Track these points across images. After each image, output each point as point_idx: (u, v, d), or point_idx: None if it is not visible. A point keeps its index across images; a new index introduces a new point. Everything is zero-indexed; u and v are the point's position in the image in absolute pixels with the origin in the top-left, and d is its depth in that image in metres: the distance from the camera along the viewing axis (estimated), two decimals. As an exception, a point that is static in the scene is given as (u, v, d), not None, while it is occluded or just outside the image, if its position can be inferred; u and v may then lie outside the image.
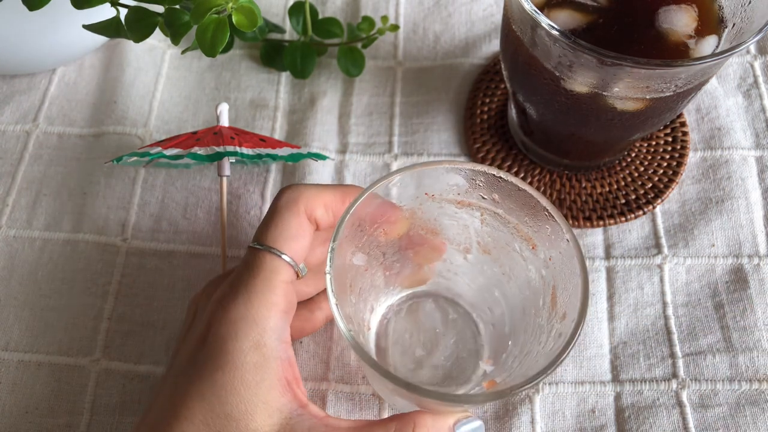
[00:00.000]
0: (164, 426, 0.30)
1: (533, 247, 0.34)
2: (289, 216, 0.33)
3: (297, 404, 0.31)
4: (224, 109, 0.45)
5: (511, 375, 0.33)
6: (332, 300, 0.29)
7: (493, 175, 0.32)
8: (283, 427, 0.30)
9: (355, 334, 0.29)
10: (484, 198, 0.34)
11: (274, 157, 0.44)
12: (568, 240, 0.31)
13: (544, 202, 0.31)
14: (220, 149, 0.41)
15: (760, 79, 0.51)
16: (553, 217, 0.31)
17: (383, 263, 0.37)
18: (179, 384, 0.31)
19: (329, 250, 0.30)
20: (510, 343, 0.36)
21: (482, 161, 0.48)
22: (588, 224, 0.45)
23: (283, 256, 0.33)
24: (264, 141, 0.44)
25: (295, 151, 0.45)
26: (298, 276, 0.34)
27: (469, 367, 0.39)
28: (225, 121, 0.45)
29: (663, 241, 0.45)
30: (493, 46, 0.54)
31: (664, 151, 0.48)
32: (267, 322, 0.31)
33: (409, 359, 0.40)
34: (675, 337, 0.42)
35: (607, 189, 0.47)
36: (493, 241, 0.36)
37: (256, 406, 0.30)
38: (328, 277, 0.30)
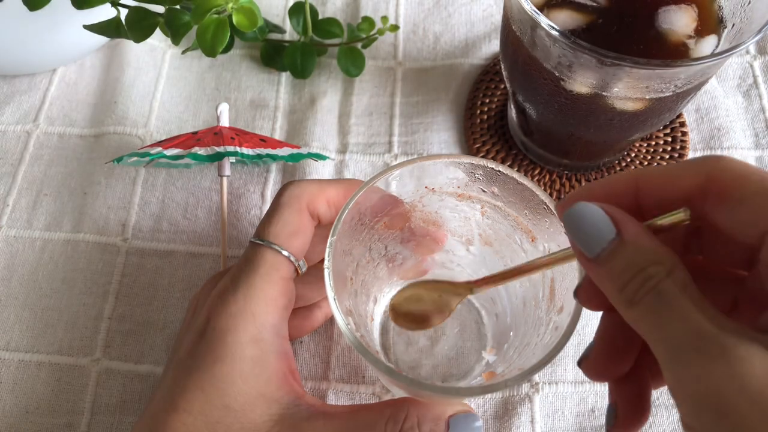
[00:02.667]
0: (163, 417, 0.30)
1: (533, 240, 0.34)
2: (291, 212, 0.34)
3: (294, 395, 0.31)
4: (224, 109, 0.46)
5: (510, 366, 0.33)
6: (330, 294, 0.29)
7: (492, 168, 0.32)
8: (282, 417, 0.30)
9: (354, 327, 0.29)
10: (483, 191, 0.34)
11: (274, 158, 0.45)
12: (565, 233, 0.31)
13: (542, 195, 0.31)
14: (221, 149, 0.41)
15: (760, 79, 0.51)
16: (551, 210, 0.31)
17: (385, 255, 0.37)
18: (178, 377, 0.31)
19: (328, 245, 0.30)
20: (511, 333, 0.37)
21: (482, 161, 0.48)
22: (588, 224, 0.45)
23: (283, 252, 0.33)
24: (264, 141, 0.44)
25: (295, 151, 0.45)
26: (297, 273, 0.34)
27: (472, 356, 0.40)
28: (225, 122, 0.45)
29: (663, 240, 0.45)
30: (493, 46, 0.54)
31: (664, 151, 0.48)
32: (266, 317, 0.31)
33: (414, 348, 0.40)
34: (675, 336, 0.42)
35: (607, 189, 0.47)
36: (495, 233, 0.36)
37: (255, 399, 0.30)
38: (326, 271, 0.30)
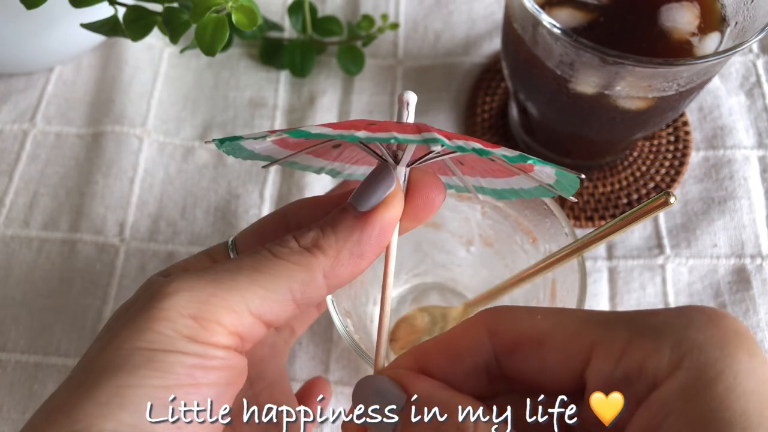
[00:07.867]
0: None
1: (533, 241, 0.34)
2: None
3: None
4: (412, 100, 0.26)
5: None
6: (328, 297, 0.29)
7: None
8: None
9: (353, 329, 0.29)
10: None
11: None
12: (566, 234, 0.30)
13: None
14: (429, 135, 0.20)
15: (763, 78, 0.51)
16: (551, 211, 0.31)
17: None
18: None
19: None
20: None
21: (483, 161, 0.48)
22: (590, 224, 0.45)
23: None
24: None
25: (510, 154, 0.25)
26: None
27: None
28: (411, 117, 0.26)
29: (665, 241, 0.44)
30: (494, 44, 0.53)
31: (667, 150, 0.48)
32: None
33: None
34: (677, 337, 0.41)
35: (609, 189, 0.46)
36: (495, 233, 0.36)
37: None
38: None
